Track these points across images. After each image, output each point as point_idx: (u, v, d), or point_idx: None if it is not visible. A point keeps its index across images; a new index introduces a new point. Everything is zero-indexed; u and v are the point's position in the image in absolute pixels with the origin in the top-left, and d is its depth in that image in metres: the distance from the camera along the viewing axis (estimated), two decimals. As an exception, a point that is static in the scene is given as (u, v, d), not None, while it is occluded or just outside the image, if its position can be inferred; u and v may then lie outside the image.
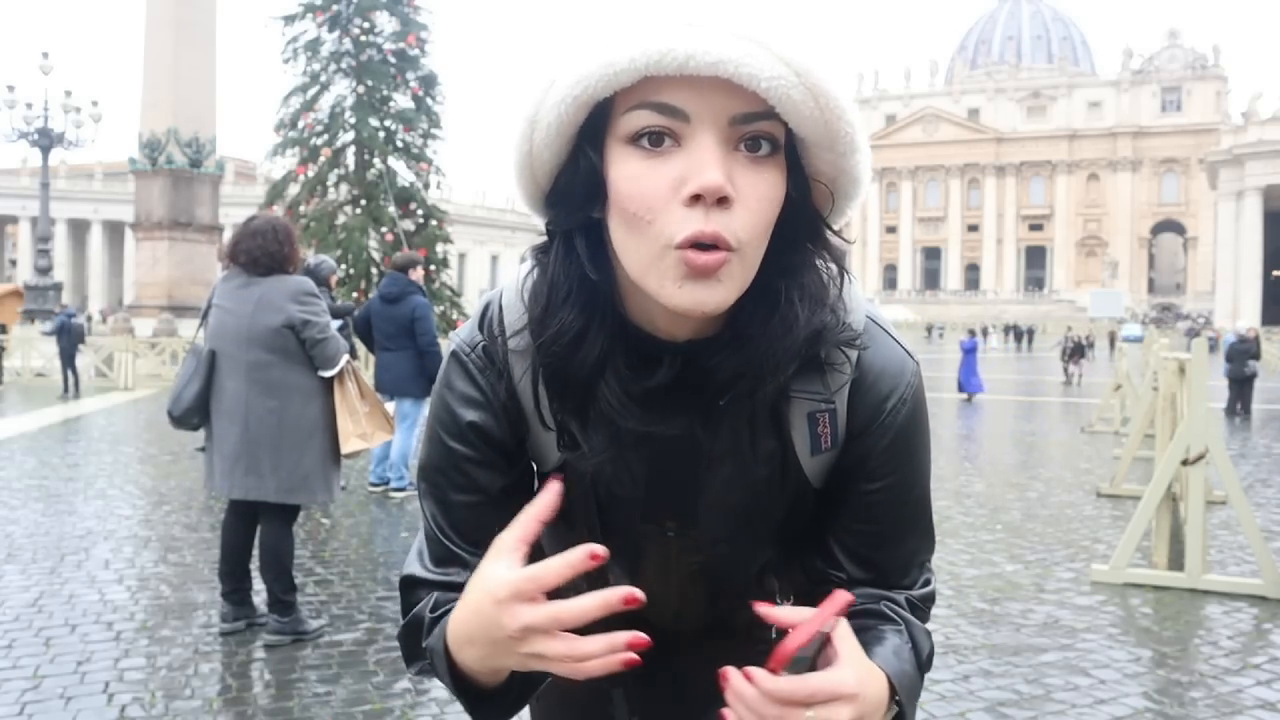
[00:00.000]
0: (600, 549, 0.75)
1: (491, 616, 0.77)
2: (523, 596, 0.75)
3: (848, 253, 0.92)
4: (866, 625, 0.94)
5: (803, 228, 0.85)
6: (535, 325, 0.87)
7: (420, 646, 0.92)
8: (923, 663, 0.93)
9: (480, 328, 0.96)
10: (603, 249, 0.83)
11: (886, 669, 0.85)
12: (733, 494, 0.97)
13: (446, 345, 1.00)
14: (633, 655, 0.75)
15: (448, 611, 0.87)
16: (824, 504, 1.00)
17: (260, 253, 3.90)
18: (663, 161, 0.77)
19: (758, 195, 0.78)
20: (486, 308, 0.97)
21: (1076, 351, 23.08)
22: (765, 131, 0.78)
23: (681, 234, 0.76)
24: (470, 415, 0.94)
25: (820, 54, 0.81)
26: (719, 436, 0.93)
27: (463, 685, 0.86)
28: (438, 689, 3.56)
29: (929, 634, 0.97)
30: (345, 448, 4.03)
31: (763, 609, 0.80)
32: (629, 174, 0.78)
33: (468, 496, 0.95)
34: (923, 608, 1.00)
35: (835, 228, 0.89)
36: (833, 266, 0.89)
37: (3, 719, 3.26)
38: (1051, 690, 3.67)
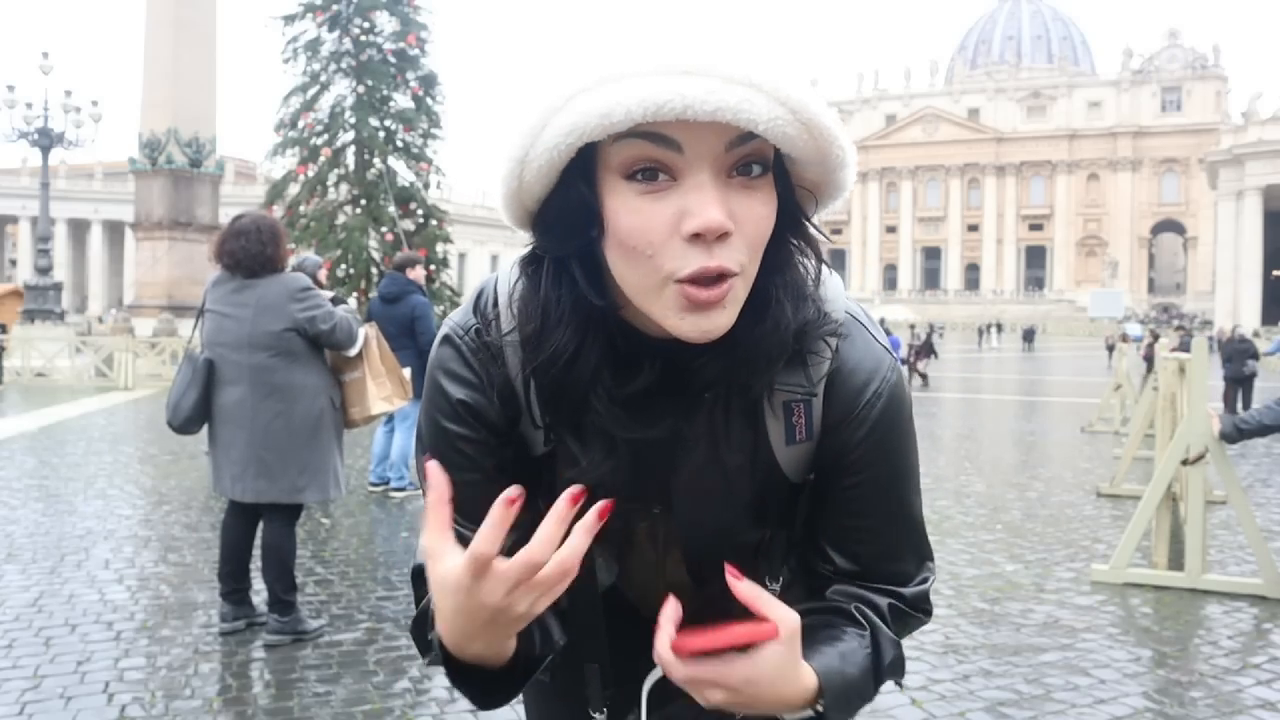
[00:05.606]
0: (515, 491, 0.74)
1: (472, 606, 0.76)
2: (482, 571, 0.74)
3: (827, 246, 0.94)
4: (831, 623, 0.95)
5: (786, 223, 0.86)
6: (529, 346, 0.88)
7: (429, 637, 0.92)
8: (881, 670, 0.93)
9: (475, 312, 0.97)
10: (598, 272, 0.84)
11: (819, 669, 0.85)
12: (705, 478, 0.98)
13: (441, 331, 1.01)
14: (601, 508, 0.76)
15: None
16: (812, 500, 1.01)
17: (243, 254, 3.87)
18: (660, 198, 0.78)
19: (754, 218, 0.80)
20: (481, 293, 0.98)
21: (925, 350, 23.00)
22: (757, 153, 0.79)
23: (684, 270, 0.77)
24: (461, 394, 0.96)
25: (808, 72, 0.82)
26: (695, 422, 0.94)
27: (468, 677, 0.86)
28: (437, 689, 3.57)
29: (897, 644, 0.96)
30: (372, 410, 4.14)
31: (732, 578, 0.80)
32: (627, 209, 0.78)
33: (467, 475, 0.96)
34: (910, 611, 0.99)
35: (814, 221, 0.90)
36: (811, 259, 0.91)
37: (3, 719, 3.26)
38: (1051, 690, 3.67)
